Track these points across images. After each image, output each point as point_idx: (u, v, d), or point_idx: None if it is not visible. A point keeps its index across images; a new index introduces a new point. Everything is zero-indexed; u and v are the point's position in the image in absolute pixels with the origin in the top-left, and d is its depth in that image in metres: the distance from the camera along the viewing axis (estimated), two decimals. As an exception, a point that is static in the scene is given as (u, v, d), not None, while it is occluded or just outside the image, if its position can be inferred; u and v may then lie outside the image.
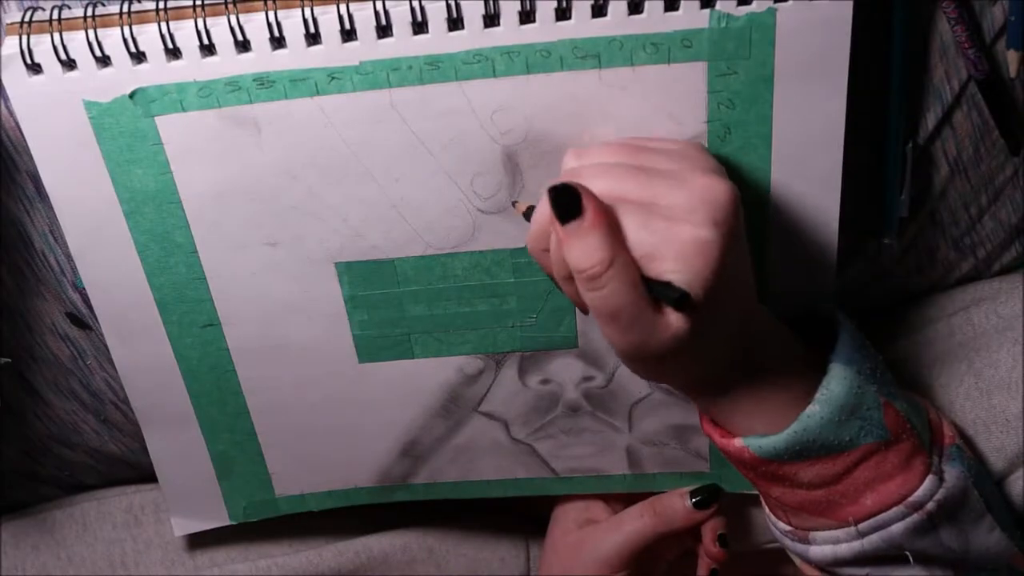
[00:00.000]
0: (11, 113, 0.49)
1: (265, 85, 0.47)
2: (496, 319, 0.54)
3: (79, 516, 0.64)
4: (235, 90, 0.47)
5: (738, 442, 0.48)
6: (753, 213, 0.50)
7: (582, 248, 0.41)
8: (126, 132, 0.48)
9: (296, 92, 0.47)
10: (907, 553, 0.49)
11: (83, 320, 0.57)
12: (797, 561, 0.54)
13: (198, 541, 0.63)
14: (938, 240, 0.58)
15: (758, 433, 0.47)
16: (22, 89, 0.47)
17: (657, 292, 0.41)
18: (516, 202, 0.50)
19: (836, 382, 0.47)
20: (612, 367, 0.56)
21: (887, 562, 0.50)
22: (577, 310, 0.54)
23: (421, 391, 0.57)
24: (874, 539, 0.49)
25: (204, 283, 0.53)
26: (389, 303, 0.54)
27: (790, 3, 0.45)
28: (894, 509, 0.48)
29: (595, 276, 0.41)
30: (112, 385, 0.60)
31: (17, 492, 0.64)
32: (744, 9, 0.45)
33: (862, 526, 0.48)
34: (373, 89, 0.47)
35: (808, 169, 0.49)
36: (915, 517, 0.48)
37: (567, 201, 0.41)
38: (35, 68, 0.46)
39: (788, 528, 0.52)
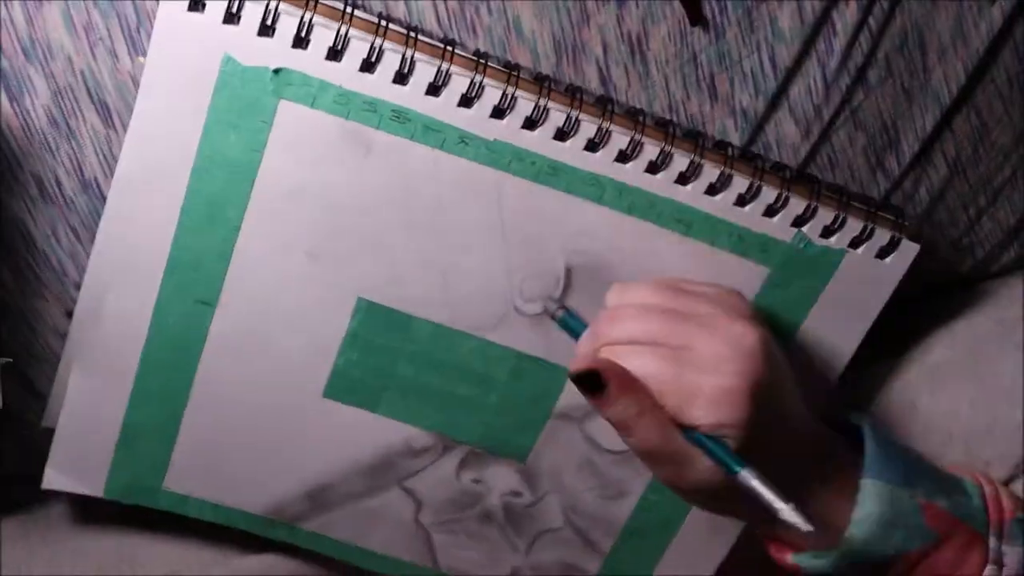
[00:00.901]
0: (15, 112, 0.49)
1: (400, 120, 0.49)
2: (470, 408, 0.56)
3: (80, 515, 0.61)
4: (370, 112, 0.48)
5: (790, 559, 0.50)
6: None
7: (612, 412, 0.46)
8: (245, 99, 0.48)
9: (424, 139, 0.49)
10: None
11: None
12: None
13: (207, 537, 0.62)
14: (936, 241, 0.58)
15: (810, 549, 0.49)
16: (172, 19, 0.46)
17: (688, 437, 0.46)
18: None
19: (871, 500, 0.48)
20: (543, 491, 0.59)
21: None
22: (549, 428, 0.57)
23: (363, 446, 0.58)
24: None
25: (226, 263, 0.52)
26: (385, 353, 0.55)
27: (859, 252, 0.52)
28: None
29: (624, 428, 0.46)
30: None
31: (17, 494, 0.61)
32: (823, 241, 0.52)
33: None
34: (491, 167, 0.50)
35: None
36: None
37: (589, 381, 0.45)
38: (198, 5, 0.46)
39: None
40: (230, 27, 0.46)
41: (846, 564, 0.48)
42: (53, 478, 0.57)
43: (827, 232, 0.52)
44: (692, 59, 0.51)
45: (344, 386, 0.56)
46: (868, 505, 0.48)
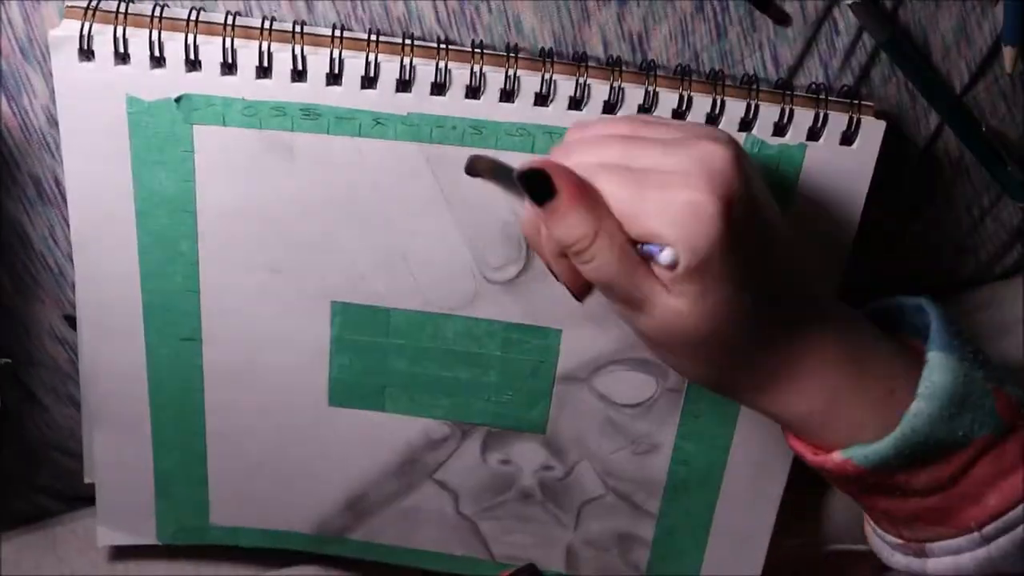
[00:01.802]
0: (13, 112, 0.50)
1: (311, 116, 0.48)
2: (473, 389, 0.55)
3: (82, 531, 0.62)
4: (280, 115, 0.48)
5: (838, 456, 0.43)
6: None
7: (564, 226, 0.40)
8: (161, 133, 0.48)
9: (339, 129, 0.48)
10: None
11: (81, 323, 0.56)
12: None
13: (205, 556, 0.62)
14: (940, 242, 0.57)
15: (858, 442, 0.43)
16: (68, 72, 0.47)
17: (642, 254, 0.40)
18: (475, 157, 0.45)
19: (939, 372, 0.42)
20: (573, 460, 0.57)
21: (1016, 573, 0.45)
22: (556, 394, 0.55)
23: (382, 446, 0.57)
24: (1002, 544, 0.44)
25: (196, 296, 0.53)
26: (374, 351, 0.54)
27: (820, 143, 0.48)
28: (1021, 507, 0.43)
29: (581, 250, 0.40)
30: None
31: (15, 502, 0.63)
32: (778, 140, 0.48)
33: (986, 530, 0.43)
34: (414, 141, 0.49)
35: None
36: None
37: (539, 183, 0.39)
38: (88, 55, 0.47)
39: (899, 542, 0.47)
40: (124, 67, 0.47)
41: (908, 449, 0.42)
42: (105, 535, 0.60)
43: (779, 130, 0.48)
44: (694, 58, 0.50)
45: (345, 391, 0.55)
46: (937, 377, 0.42)
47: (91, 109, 0.48)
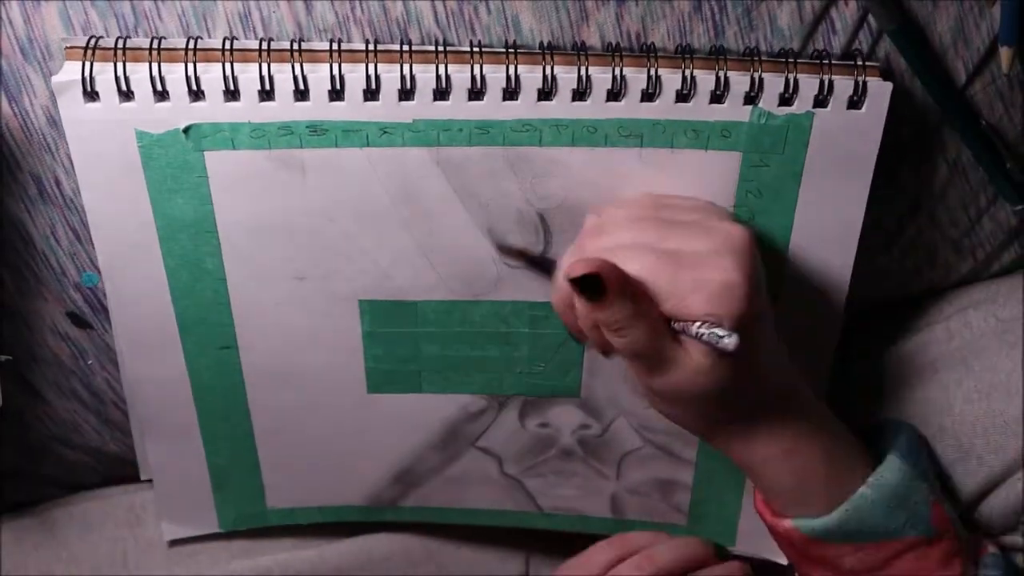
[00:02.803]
0: (14, 112, 0.50)
1: (318, 133, 0.48)
2: (505, 364, 0.57)
3: (80, 515, 0.64)
4: (287, 134, 0.48)
5: (788, 523, 0.51)
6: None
7: (609, 313, 0.44)
8: (173, 163, 0.49)
9: (347, 142, 0.49)
10: None
11: (84, 320, 0.57)
12: None
13: (200, 538, 0.64)
14: (937, 241, 0.58)
15: (808, 515, 0.50)
16: (76, 113, 0.47)
17: (700, 337, 0.44)
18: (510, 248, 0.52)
19: (890, 471, 0.50)
20: (609, 418, 0.59)
21: None
22: (587, 359, 0.56)
23: (423, 424, 0.59)
24: None
25: (228, 309, 0.54)
26: (405, 341, 0.56)
27: (828, 110, 0.48)
28: None
29: (619, 329, 0.45)
30: (113, 385, 0.60)
31: (17, 492, 0.64)
32: (784, 109, 0.48)
33: None
34: (422, 146, 0.49)
35: (822, 261, 0.52)
36: None
37: (589, 286, 0.44)
38: (92, 96, 0.47)
39: None
40: (129, 104, 0.47)
41: (848, 527, 0.49)
42: (171, 530, 0.63)
43: (784, 100, 0.48)
44: None
45: (382, 380, 0.57)
46: (887, 475, 0.49)
47: (103, 146, 0.48)
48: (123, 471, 0.64)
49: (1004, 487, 0.54)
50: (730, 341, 0.42)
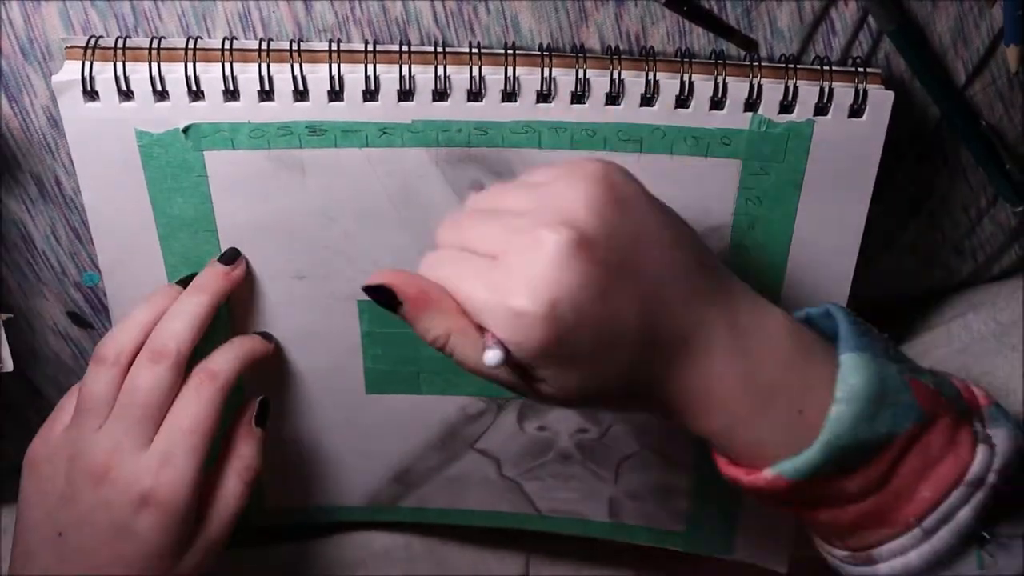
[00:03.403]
0: (14, 112, 0.50)
1: (317, 133, 0.48)
2: (504, 366, 0.57)
3: None
4: (287, 135, 0.48)
5: (768, 473, 0.42)
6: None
7: (419, 330, 0.43)
8: (173, 162, 0.49)
9: (346, 142, 0.49)
10: (984, 535, 0.43)
11: (85, 319, 0.57)
12: None
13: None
14: (937, 243, 0.58)
15: (786, 456, 0.42)
16: (76, 113, 0.47)
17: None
18: None
19: (854, 374, 0.42)
20: (607, 423, 0.59)
21: (965, 562, 0.43)
22: None
23: (421, 425, 0.59)
24: (943, 535, 0.42)
25: (226, 307, 0.54)
26: (404, 342, 0.56)
27: (828, 117, 0.48)
28: (954, 494, 0.42)
29: (440, 348, 0.43)
30: (113, 385, 0.60)
31: (17, 487, 0.64)
32: (785, 117, 0.48)
33: (926, 524, 0.42)
34: (421, 146, 0.49)
35: (821, 270, 0.52)
36: (979, 496, 0.42)
37: (386, 297, 0.43)
38: (92, 95, 0.47)
39: (846, 553, 0.46)
40: (128, 103, 0.48)
41: (834, 455, 0.41)
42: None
43: (785, 108, 0.48)
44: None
45: (381, 380, 0.57)
46: (852, 378, 0.41)
47: (102, 145, 0.49)
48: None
49: None
50: (490, 355, 0.39)
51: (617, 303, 0.40)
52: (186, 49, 0.47)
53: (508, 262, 0.40)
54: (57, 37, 0.48)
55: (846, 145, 0.48)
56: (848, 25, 0.49)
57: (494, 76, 0.47)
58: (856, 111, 0.48)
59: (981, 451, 0.42)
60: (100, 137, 0.48)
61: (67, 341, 0.58)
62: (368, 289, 0.42)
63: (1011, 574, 0.43)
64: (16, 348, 0.56)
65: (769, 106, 0.48)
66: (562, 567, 0.67)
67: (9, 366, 0.53)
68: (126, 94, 0.47)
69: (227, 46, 0.47)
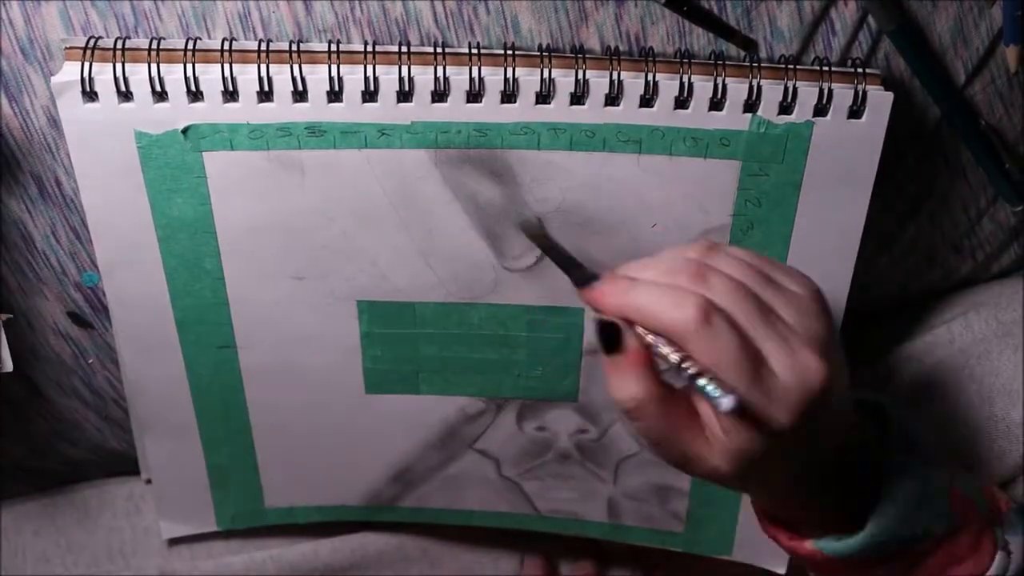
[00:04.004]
0: (14, 112, 0.50)
1: (316, 134, 0.48)
2: (503, 367, 0.57)
3: (80, 503, 0.64)
4: (286, 136, 0.48)
5: (809, 545, 0.46)
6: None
7: (618, 381, 0.41)
8: (172, 163, 0.49)
9: (345, 143, 0.49)
10: None
11: (85, 319, 0.57)
12: None
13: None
14: (937, 242, 0.58)
15: (829, 534, 0.45)
16: (76, 114, 0.47)
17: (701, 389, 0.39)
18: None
19: (903, 476, 0.45)
20: (606, 423, 0.59)
21: None
22: (585, 364, 0.56)
23: (421, 424, 0.59)
24: None
25: (227, 308, 0.54)
26: (403, 342, 0.56)
27: (828, 118, 0.47)
28: None
29: (627, 412, 0.41)
30: (113, 383, 0.60)
31: (20, 487, 0.65)
32: (784, 118, 0.48)
33: None
34: (420, 148, 0.49)
35: (820, 271, 0.51)
36: None
37: (611, 335, 0.40)
38: (92, 96, 0.47)
39: None
40: (128, 104, 0.47)
41: (874, 547, 0.44)
42: (169, 528, 0.63)
43: (784, 109, 0.48)
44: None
45: (380, 380, 0.57)
46: (901, 480, 0.45)
47: (102, 146, 0.49)
48: (123, 467, 0.65)
49: (1007, 492, 0.53)
50: (725, 401, 0.37)
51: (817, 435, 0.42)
52: (185, 50, 0.47)
53: (773, 370, 0.39)
54: (57, 37, 0.48)
55: (845, 146, 0.48)
56: (848, 25, 0.49)
57: (493, 77, 0.47)
58: (855, 112, 0.48)
59: (1000, 557, 0.46)
60: (99, 138, 0.48)
61: (67, 341, 0.58)
62: (601, 323, 0.41)
63: None
64: (16, 348, 0.56)
65: (768, 107, 0.48)
66: (560, 567, 0.67)
67: (9, 366, 0.53)
68: (125, 95, 0.47)
69: (226, 47, 0.47)
